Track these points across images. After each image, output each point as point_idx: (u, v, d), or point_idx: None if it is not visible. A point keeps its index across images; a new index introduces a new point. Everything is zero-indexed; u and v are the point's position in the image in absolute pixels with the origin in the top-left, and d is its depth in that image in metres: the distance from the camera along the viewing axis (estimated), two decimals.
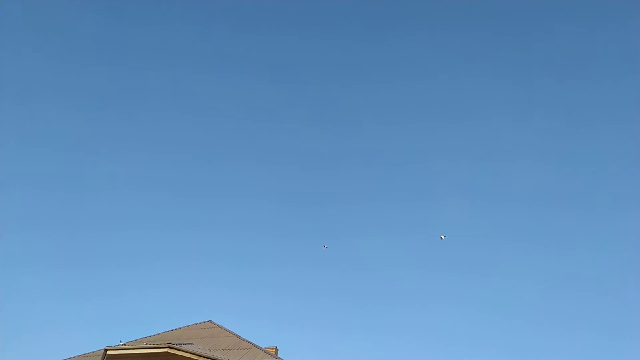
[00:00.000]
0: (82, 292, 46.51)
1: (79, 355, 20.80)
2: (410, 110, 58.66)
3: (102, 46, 55.04)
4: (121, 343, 18.18)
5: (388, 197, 55.47)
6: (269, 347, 21.11)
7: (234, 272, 52.27)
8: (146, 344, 17.61)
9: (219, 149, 58.39)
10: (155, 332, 21.74)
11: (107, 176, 52.94)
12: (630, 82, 49.06)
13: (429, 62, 58.79)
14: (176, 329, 22.37)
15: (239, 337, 21.01)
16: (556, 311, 45.38)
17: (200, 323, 23.17)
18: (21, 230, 48.12)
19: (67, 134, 52.44)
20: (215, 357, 17.44)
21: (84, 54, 53.62)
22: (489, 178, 55.03)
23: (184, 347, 17.35)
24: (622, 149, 48.20)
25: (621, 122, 49.08)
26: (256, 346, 19.86)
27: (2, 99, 46.37)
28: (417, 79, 58.93)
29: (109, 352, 17.32)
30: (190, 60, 58.35)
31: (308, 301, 50.49)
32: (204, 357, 17.21)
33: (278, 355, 19.95)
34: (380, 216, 54.51)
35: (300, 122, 60.70)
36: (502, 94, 55.46)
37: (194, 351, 17.22)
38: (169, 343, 17.21)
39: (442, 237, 24.44)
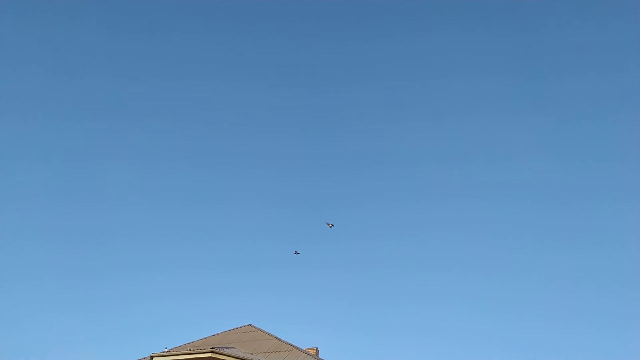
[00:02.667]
0: (125, 300, 47.87)
1: None
2: (409, 109, 58.76)
3: (104, 55, 56.10)
4: (166, 349, 18.60)
5: (392, 197, 55.64)
6: (309, 349, 21.21)
7: (270, 277, 52.81)
8: (190, 350, 17.98)
9: (235, 155, 58.95)
10: (198, 338, 22.17)
11: (127, 185, 54.26)
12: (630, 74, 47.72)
13: (427, 60, 58.76)
14: (218, 334, 22.74)
15: (279, 339, 21.19)
16: (561, 307, 45.20)
17: (241, 327, 23.48)
18: (66, 242, 49.90)
19: (78, 145, 53.71)
20: None
21: (86, 64, 54.81)
22: (490, 175, 54.93)
23: (226, 351, 17.63)
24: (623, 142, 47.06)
25: (622, 114, 47.96)
26: (297, 348, 19.99)
27: (6, 110, 47.73)
28: (416, 77, 58.84)
29: (155, 359, 17.77)
30: (187, 67, 59.10)
31: (345, 302, 50.51)
32: None
33: (319, 356, 20.02)
34: (384, 215, 54.71)
35: (298, 124, 60.89)
36: (501, 90, 55.02)
37: (237, 355, 17.48)
38: (212, 348, 17.53)
39: (330, 225, 23.99)
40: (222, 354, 17.30)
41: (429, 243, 53.62)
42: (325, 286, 51.64)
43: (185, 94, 58.26)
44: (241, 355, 17.63)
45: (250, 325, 23.57)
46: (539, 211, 50.10)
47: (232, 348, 18.83)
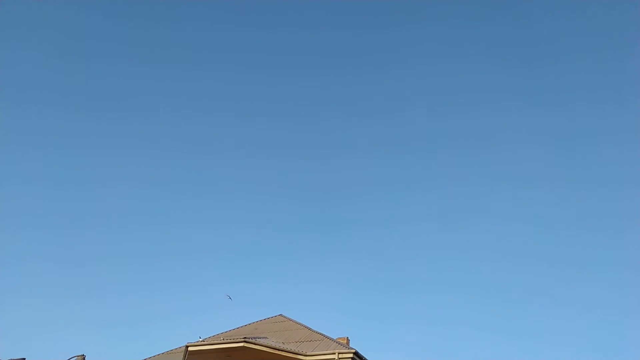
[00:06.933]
0: (157, 289, 49.05)
1: (162, 353, 22.01)
2: (410, 99, 58.20)
3: (102, 45, 55.95)
4: (200, 339, 19.03)
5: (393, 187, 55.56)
6: (340, 338, 21.35)
7: (298, 267, 53.28)
8: (223, 339, 18.37)
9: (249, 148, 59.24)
10: (230, 328, 22.59)
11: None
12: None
13: (425, 50, 58.15)
14: (250, 324, 23.12)
15: (310, 329, 21.41)
16: (565, 295, 45.41)
17: (272, 317, 23.81)
18: (120, 226, 51.53)
19: (74, 133, 53.78)
20: (289, 349, 17.92)
21: (85, 54, 54.64)
22: (490, 164, 54.45)
23: (258, 340, 17.95)
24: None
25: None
26: (328, 337, 20.16)
27: (6, 98, 48.33)
28: (416, 68, 58.19)
29: (190, 349, 18.22)
30: (186, 57, 58.89)
31: (376, 291, 50.72)
32: (278, 349, 17.74)
33: (350, 346, 20.14)
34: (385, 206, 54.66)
35: (299, 114, 60.60)
36: (500, 80, 54.48)
37: (269, 344, 17.77)
38: (245, 338, 17.86)
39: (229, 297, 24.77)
40: (254, 344, 17.62)
41: (446, 230, 53.72)
42: (355, 276, 51.87)
43: (186, 85, 58.42)
44: (273, 344, 17.92)
45: (281, 315, 23.88)
46: (536, 198, 50.33)
47: (264, 338, 19.15)
